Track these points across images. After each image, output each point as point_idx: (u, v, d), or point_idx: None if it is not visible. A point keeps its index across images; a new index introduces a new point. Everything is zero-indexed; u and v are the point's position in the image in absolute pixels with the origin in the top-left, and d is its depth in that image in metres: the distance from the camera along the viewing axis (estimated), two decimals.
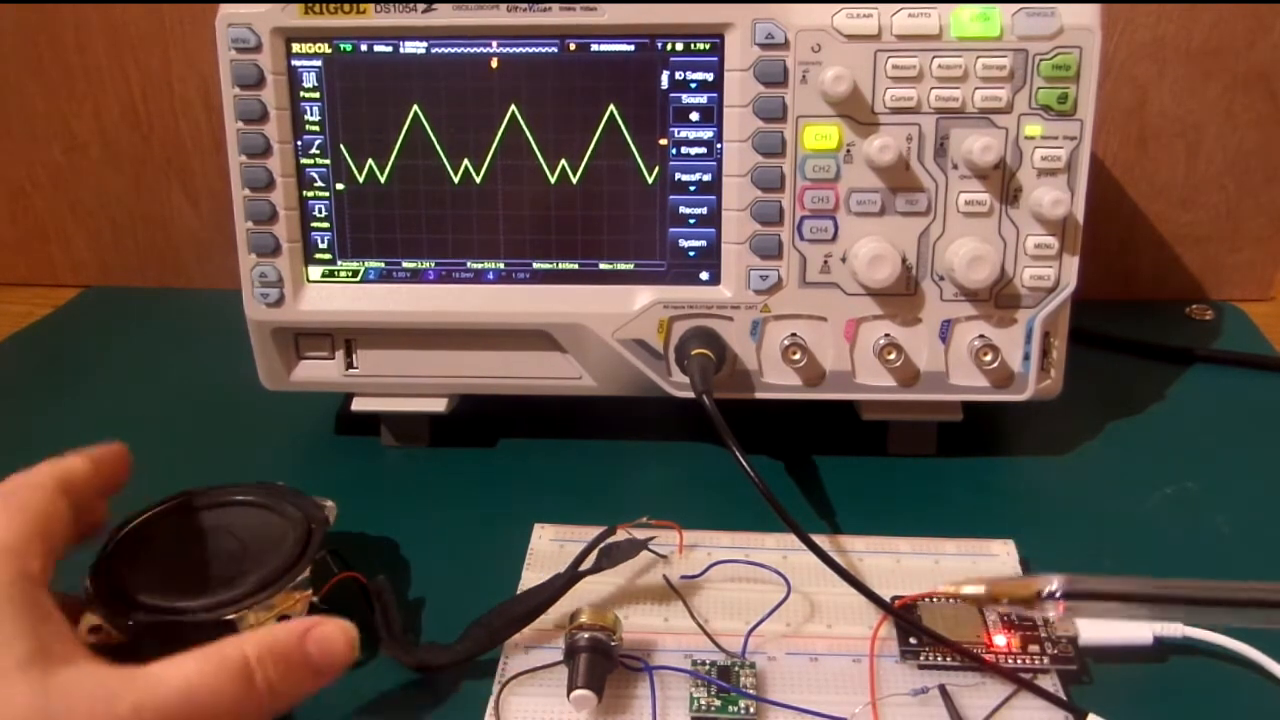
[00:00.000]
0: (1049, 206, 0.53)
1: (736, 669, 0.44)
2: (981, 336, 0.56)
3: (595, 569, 0.47)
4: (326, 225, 0.58)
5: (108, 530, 0.46)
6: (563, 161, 0.57)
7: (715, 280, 0.57)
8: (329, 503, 0.50)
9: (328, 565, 0.48)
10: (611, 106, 0.56)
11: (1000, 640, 0.45)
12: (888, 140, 0.53)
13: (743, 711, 0.42)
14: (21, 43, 0.81)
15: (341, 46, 0.56)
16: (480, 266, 0.59)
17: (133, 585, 0.44)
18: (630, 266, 0.58)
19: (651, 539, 0.49)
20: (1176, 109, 0.77)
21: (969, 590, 0.43)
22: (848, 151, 0.54)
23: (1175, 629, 0.46)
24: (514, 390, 0.61)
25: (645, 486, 0.60)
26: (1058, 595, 0.42)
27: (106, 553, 0.46)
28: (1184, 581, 0.44)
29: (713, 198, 0.57)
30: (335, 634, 0.39)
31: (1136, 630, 0.46)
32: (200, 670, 0.35)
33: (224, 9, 0.55)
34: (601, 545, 0.48)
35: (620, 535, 0.49)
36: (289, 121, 0.56)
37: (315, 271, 0.59)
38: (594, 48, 0.55)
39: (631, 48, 0.55)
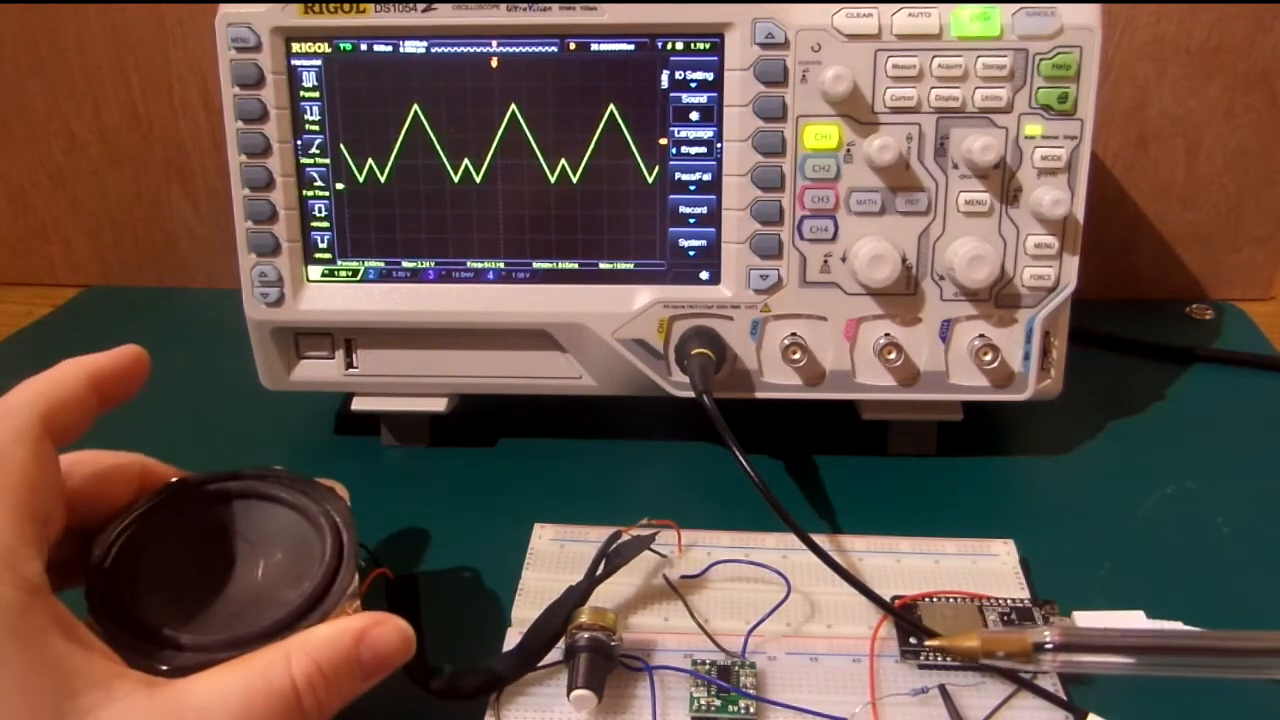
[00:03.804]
0: (1049, 206, 0.53)
1: (736, 669, 0.44)
2: (981, 336, 0.56)
3: (609, 572, 0.47)
4: (326, 225, 0.58)
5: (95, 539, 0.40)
6: (563, 161, 0.57)
7: (715, 280, 0.57)
8: (336, 485, 0.44)
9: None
10: (611, 106, 0.56)
11: None
12: (888, 140, 0.53)
13: (743, 711, 0.42)
14: (21, 43, 0.81)
15: (341, 46, 0.56)
16: (480, 266, 0.59)
17: (148, 615, 0.38)
18: (630, 266, 0.58)
19: (656, 534, 0.49)
20: (1176, 109, 0.77)
21: (963, 644, 0.43)
22: (848, 151, 0.54)
23: (1176, 627, 0.46)
24: (514, 390, 0.61)
25: (645, 486, 0.60)
26: (1052, 648, 0.42)
27: (103, 575, 0.39)
28: (1182, 630, 0.44)
29: (713, 197, 0.57)
30: (391, 637, 0.36)
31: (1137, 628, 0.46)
32: (246, 706, 0.33)
33: (224, 9, 0.55)
34: (609, 550, 0.48)
35: (624, 537, 0.49)
36: (289, 121, 0.56)
37: (315, 271, 0.59)
38: (594, 47, 0.55)
39: (631, 47, 0.55)
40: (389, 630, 0.36)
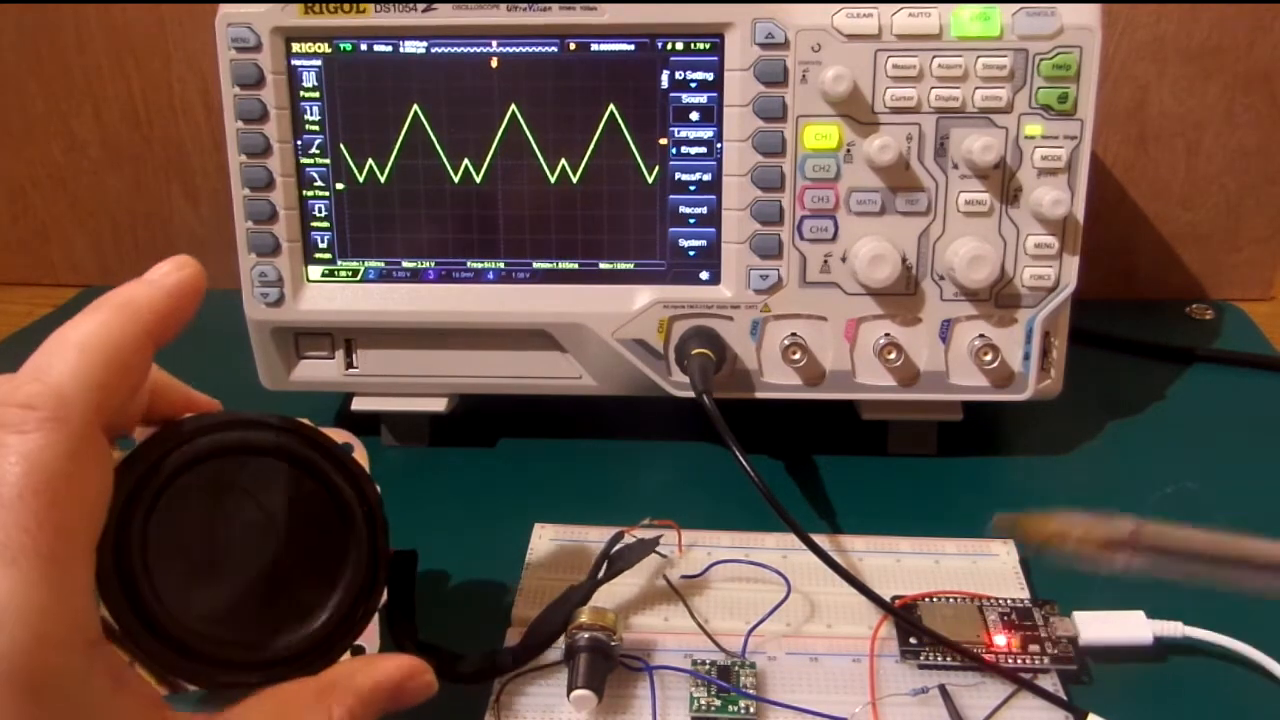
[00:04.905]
0: (1049, 206, 0.53)
1: (736, 669, 0.44)
2: (981, 336, 0.56)
3: (612, 574, 0.47)
4: (326, 225, 0.58)
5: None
6: (563, 161, 0.57)
7: (715, 280, 0.57)
8: (355, 442, 0.41)
9: None
10: (611, 106, 0.56)
11: (1000, 640, 0.45)
12: (888, 140, 0.53)
13: (743, 711, 0.42)
14: (21, 43, 0.81)
15: (341, 46, 0.56)
16: (480, 266, 0.59)
17: (165, 607, 0.35)
18: (630, 266, 0.58)
19: (660, 537, 0.49)
20: (1176, 109, 0.77)
21: (1045, 527, 0.41)
22: (848, 151, 0.54)
23: (1175, 629, 0.46)
24: (514, 390, 0.61)
25: (645, 486, 0.60)
26: (1128, 548, 0.41)
27: (114, 544, 0.34)
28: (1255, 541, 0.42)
29: (713, 197, 0.57)
30: (421, 690, 0.37)
31: (1136, 630, 0.46)
32: None
33: (224, 9, 0.55)
34: (612, 552, 0.48)
35: (627, 538, 0.49)
36: (289, 121, 0.56)
37: (315, 271, 0.59)
38: (594, 47, 0.55)
39: (631, 47, 0.55)
40: (419, 685, 0.37)
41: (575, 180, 0.57)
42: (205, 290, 0.35)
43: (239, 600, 0.37)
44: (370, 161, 0.57)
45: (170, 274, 0.34)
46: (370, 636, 0.39)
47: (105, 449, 0.32)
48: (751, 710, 0.42)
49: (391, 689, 0.36)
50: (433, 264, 0.59)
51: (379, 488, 0.40)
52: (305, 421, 0.39)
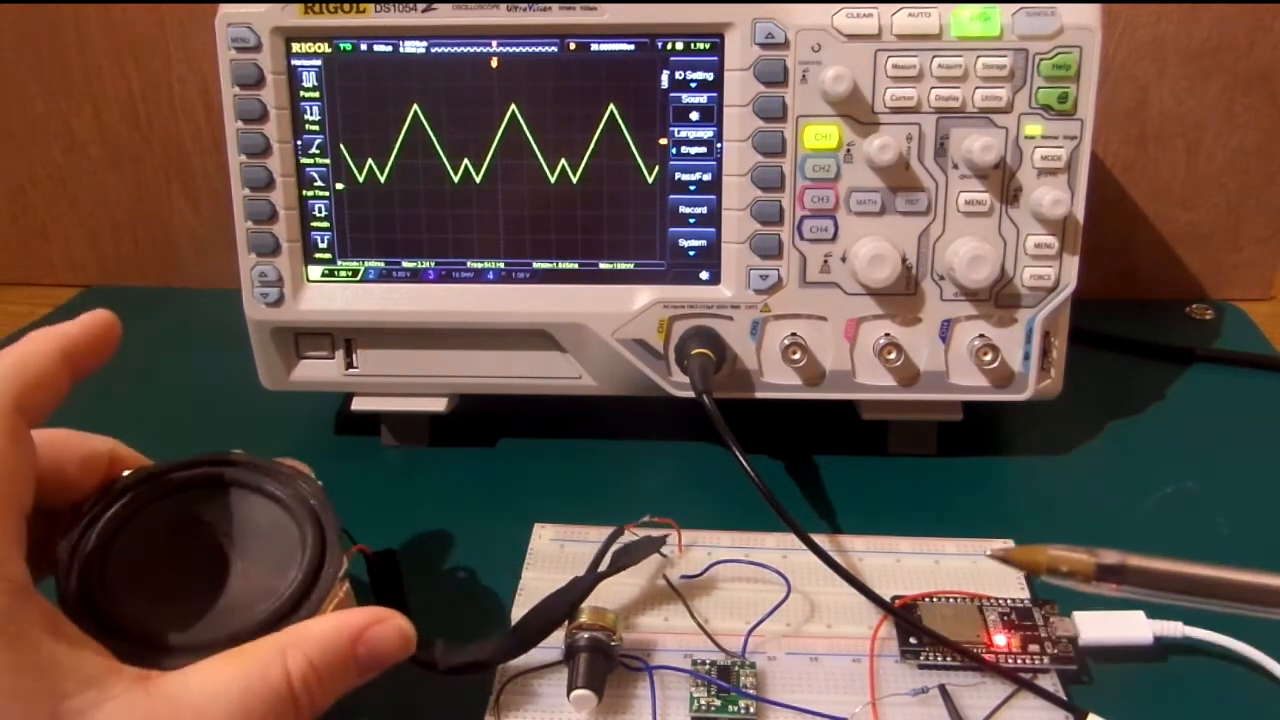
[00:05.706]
0: (1049, 206, 0.53)
1: (736, 669, 0.44)
2: (981, 336, 0.56)
3: (615, 569, 0.47)
4: (326, 225, 0.58)
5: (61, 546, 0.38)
6: (563, 161, 0.57)
7: (715, 280, 0.57)
8: (299, 465, 0.43)
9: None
10: (611, 106, 0.56)
11: (1000, 640, 0.45)
12: (888, 140, 0.53)
13: (743, 711, 0.42)
14: (21, 43, 0.81)
15: (341, 46, 0.56)
16: (480, 266, 0.59)
17: (128, 619, 0.37)
18: (630, 266, 0.58)
19: (665, 537, 0.49)
20: (1176, 109, 0.77)
21: (1030, 557, 0.41)
22: (848, 151, 0.54)
23: (1175, 629, 0.46)
24: (514, 390, 0.61)
25: (645, 486, 0.60)
26: (1116, 576, 0.41)
27: (76, 580, 0.38)
28: (1243, 574, 0.42)
29: (713, 197, 0.57)
30: (390, 636, 0.36)
31: (1136, 630, 0.46)
32: (244, 706, 0.33)
33: (224, 9, 0.55)
34: (616, 547, 0.48)
35: (629, 536, 0.49)
36: (289, 121, 0.56)
37: (315, 271, 0.59)
38: (594, 47, 0.55)
39: (631, 47, 0.55)
40: (388, 630, 0.36)
41: (575, 180, 0.57)
42: (119, 330, 0.39)
43: (203, 606, 0.38)
44: (370, 161, 0.57)
45: (88, 315, 0.39)
46: None
47: (27, 438, 0.35)
48: (751, 710, 0.42)
49: (354, 633, 0.35)
50: (433, 264, 0.59)
51: (322, 483, 0.42)
52: (238, 452, 0.42)
